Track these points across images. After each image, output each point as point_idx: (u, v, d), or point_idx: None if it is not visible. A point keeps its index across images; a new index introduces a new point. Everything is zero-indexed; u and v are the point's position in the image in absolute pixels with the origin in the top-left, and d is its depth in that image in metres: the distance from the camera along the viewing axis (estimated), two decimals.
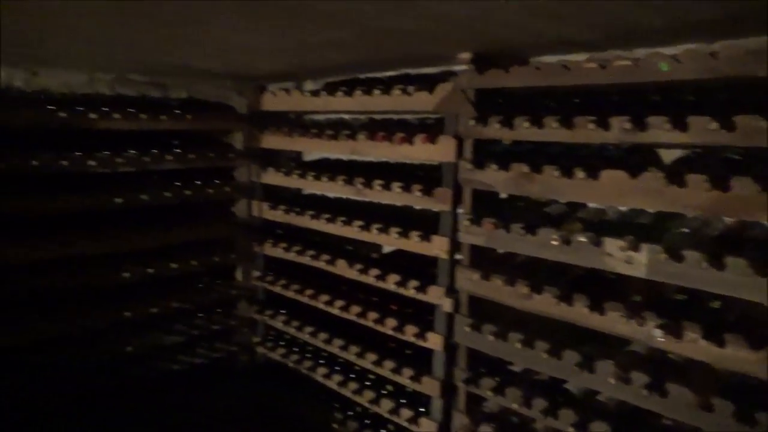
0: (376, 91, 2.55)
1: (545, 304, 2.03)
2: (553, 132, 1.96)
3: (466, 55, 2.22)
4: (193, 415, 3.02)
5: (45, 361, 2.70)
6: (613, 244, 1.83)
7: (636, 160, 1.98)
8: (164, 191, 2.98)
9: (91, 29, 1.95)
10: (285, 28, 1.90)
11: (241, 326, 3.49)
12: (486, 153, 2.26)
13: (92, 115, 2.68)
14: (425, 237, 2.44)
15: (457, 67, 2.52)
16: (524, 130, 2.03)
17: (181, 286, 3.20)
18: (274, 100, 3.22)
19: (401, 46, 2.18)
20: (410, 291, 2.50)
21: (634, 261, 1.79)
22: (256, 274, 3.43)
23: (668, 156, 2.05)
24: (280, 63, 2.77)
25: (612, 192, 1.84)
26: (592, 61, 1.88)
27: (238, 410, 3.17)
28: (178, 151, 3.03)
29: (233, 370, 3.47)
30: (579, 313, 1.93)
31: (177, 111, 3.02)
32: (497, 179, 2.15)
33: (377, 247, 3.10)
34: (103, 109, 2.75)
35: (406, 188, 2.49)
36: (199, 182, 3.15)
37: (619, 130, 1.79)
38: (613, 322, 1.86)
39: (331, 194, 3.12)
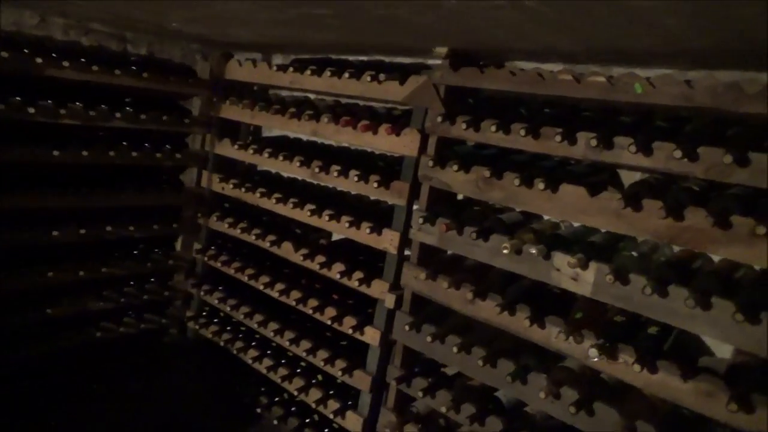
0: (346, 75, 2.48)
1: (488, 311, 2.01)
2: (518, 139, 1.93)
3: (442, 50, 2.17)
4: (114, 387, 2.88)
5: None
6: (562, 259, 1.82)
7: (598, 178, 1.99)
8: (109, 150, 2.81)
9: None
10: None
11: (175, 299, 3.35)
12: (450, 152, 2.22)
13: (38, 60, 2.49)
14: (376, 229, 2.38)
15: (432, 61, 2.48)
16: (490, 134, 2.00)
17: (115, 251, 3.03)
18: (240, 70, 3.10)
19: (382, 31, 2.11)
20: (354, 282, 2.44)
21: (581, 278, 1.78)
22: (198, 247, 3.30)
23: (630, 178, 2.06)
24: (253, 33, 2.66)
25: (569, 207, 1.83)
26: (567, 74, 1.87)
27: (161, 386, 3.03)
28: (129, 110, 2.86)
29: (161, 344, 3.32)
30: (520, 324, 1.92)
31: (133, 67, 2.85)
32: (457, 180, 2.12)
33: (328, 234, 3.03)
34: (52, 54, 2.56)
35: (363, 177, 2.43)
36: (148, 145, 2.99)
37: (585, 146, 1.78)
38: (552, 337, 1.85)
39: (285, 174, 3.03)
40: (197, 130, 3.27)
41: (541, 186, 1.84)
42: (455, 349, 2.05)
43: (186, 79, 3.17)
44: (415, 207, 2.33)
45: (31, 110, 2.53)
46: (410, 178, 2.31)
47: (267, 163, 2.89)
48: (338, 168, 2.50)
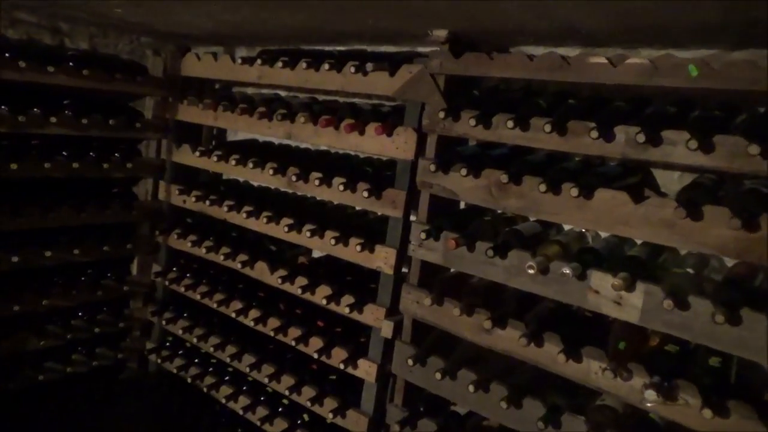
0: (325, 66, 2.12)
1: (509, 342, 1.69)
2: (539, 137, 1.62)
3: (440, 33, 1.83)
4: None
5: None
6: (601, 280, 1.51)
7: (632, 181, 1.69)
8: (44, 162, 2.38)
9: None
10: None
11: (132, 330, 2.93)
12: (452, 153, 1.90)
13: None
14: (368, 246, 2.04)
15: (424, 49, 2.15)
16: (505, 131, 1.68)
17: (58, 278, 2.59)
18: (198, 66, 2.70)
19: (368, 12, 1.77)
20: (343, 308, 2.10)
21: (626, 302, 1.48)
22: (157, 269, 2.88)
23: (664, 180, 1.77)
24: (209, 18, 2.27)
25: (606, 216, 1.52)
26: (597, 56, 1.56)
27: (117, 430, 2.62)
28: (67, 113, 2.43)
29: (118, 382, 2.89)
30: (549, 357, 1.61)
31: (71, 64, 2.42)
32: (464, 186, 1.79)
33: (307, 249, 2.66)
34: None
35: (350, 186, 2.08)
36: (92, 154, 2.57)
37: (625, 143, 1.47)
38: (591, 372, 1.54)
39: (256, 183, 2.65)
40: (151, 135, 2.86)
41: (574, 192, 1.53)
42: (471, 388, 1.72)
43: (135, 76, 2.75)
44: (412, 218, 1.99)
45: None
46: (406, 185, 1.97)
47: (234, 172, 2.50)
48: (319, 176, 2.14)
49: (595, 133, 1.49)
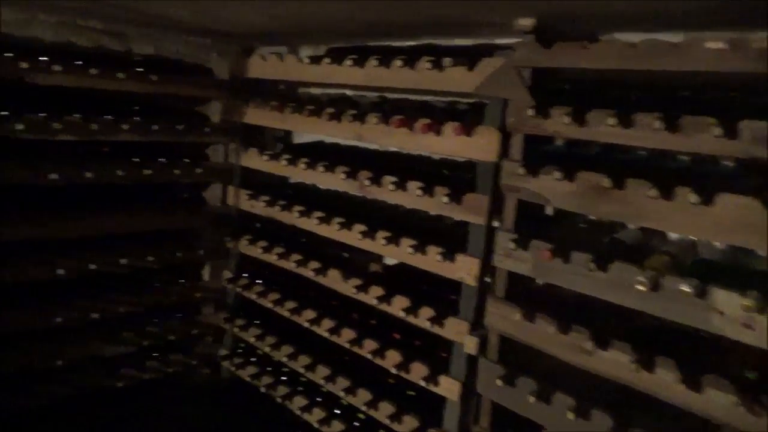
0: (398, 63, 1.98)
1: (613, 365, 1.51)
2: (646, 135, 1.43)
3: (526, 22, 1.66)
4: None
5: None
6: (728, 300, 1.31)
7: (750, 183, 1.47)
8: (116, 169, 2.37)
9: None
10: None
11: (205, 335, 2.91)
12: (540, 154, 1.73)
13: (23, 65, 2.05)
14: (448, 255, 1.90)
15: (502, 40, 1.98)
16: (604, 129, 1.49)
17: (132, 285, 2.60)
18: (263, 66, 2.62)
19: (448, 2, 1.61)
20: (422, 321, 1.97)
21: (759, 326, 1.28)
22: (228, 275, 2.84)
23: None
24: (274, 16, 2.18)
25: (732, 226, 1.32)
26: (715, 41, 1.35)
27: None
28: (137, 120, 2.41)
29: (192, 388, 2.88)
30: (663, 384, 1.42)
31: (139, 69, 2.40)
32: (557, 191, 1.62)
33: (378, 255, 2.54)
34: (41, 58, 2.12)
35: (427, 190, 1.94)
36: (162, 160, 2.54)
37: (751, 140, 1.27)
38: (715, 405, 1.35)
39: (323, 186, 2.55)
40: (218, 139, 2.82)
41: (693, 198, 1.33)
42: (570, 415, 1.56)
43: (202, 80, 2.71)
44: (495, 225, 1.84)
45: (20, 126, 2.10)
46: (489, 189, 1.81)
47: (304, 176, 2.41)
48: (394, 180, 2.02)
49: (718, 130, 1.29)
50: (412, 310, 2.00)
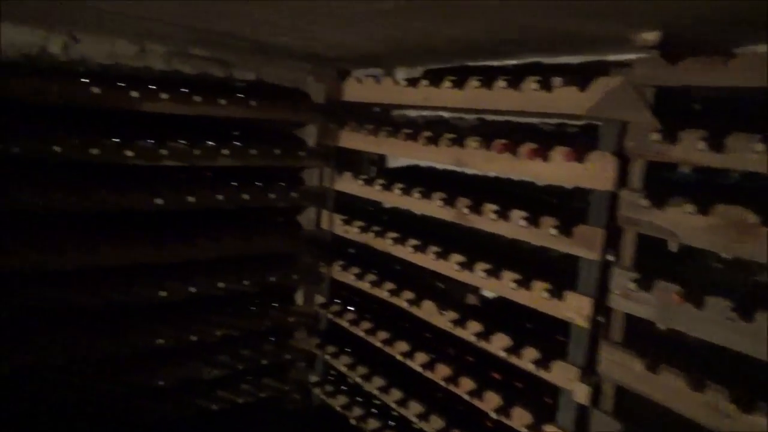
0: (501, 83, 1.86)
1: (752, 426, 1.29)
2: None
3: (650, 36, 1.48)
4: None
5: (52, 391, 2.19)
6: None
7: None
8: (217, 194, 2.41)
9: None
10: None
11: (297, 361, 2.89)
12: (662, 182, 1.54)
13: (133, 94, 2.13)
14: (555, 293, 1.73)
15: (617, 57, 1.81)
16: (749, 156, 1.29)
17: (228, 308, 2.62)
18: (359, 89, 2.59)
19: (555, 13, 1.47)
20: (526, 364, 1.80)
21: None
22: (320, 300, 2.81)
23: None
24: (372, 38, 2.13)
25: None
26: None
27: None
28: (237, 144, 2.45)
29: (283, 413, 2.86)
30: None
31: (239, 95, 2.44)
32: (687, 225, 1.42)
33: (474, 286, 2.40)
34: (149, 87, 2.20)
35: (532, 221, 1.79)
36: (260, 184, 2.56)
37: None
38: None
39: (419, 212, 2.46)
40: (313, 162, 2.81)
41: None
42: None
43: (298, 104, 2.72)
44: (609, 259, 1.65)
45: (129, 153, 2.18)
46: (603, 221, 1.63)
47: (399, 201, 2.33)
48: (496, 208, 1.88)
49: None
50: (514, 350, 1.85)
